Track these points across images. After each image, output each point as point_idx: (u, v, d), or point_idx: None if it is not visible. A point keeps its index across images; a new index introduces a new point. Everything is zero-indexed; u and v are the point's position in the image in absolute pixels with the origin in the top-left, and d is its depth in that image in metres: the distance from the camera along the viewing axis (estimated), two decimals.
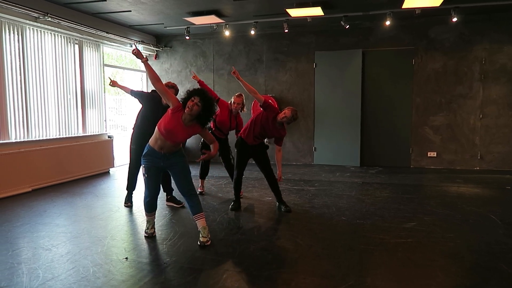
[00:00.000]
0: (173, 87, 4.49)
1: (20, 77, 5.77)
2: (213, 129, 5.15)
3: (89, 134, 7.14)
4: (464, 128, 7.48)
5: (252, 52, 8.49)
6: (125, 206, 4.86)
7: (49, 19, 5.97)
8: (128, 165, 4.97)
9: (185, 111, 3.26)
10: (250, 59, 8.51)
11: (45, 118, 6.24)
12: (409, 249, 3.34)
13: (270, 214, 4.49)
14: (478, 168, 7.46)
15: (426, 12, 6.77)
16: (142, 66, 9.12)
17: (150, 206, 3.64)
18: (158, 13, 6.94)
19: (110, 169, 7.51)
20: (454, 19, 6.58)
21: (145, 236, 3.68)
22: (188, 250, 3.32)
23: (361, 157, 7.89)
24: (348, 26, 7.04)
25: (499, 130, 7.31)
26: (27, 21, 5.76)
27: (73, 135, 6.77)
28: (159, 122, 3.42)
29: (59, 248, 3.40)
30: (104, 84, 7.56)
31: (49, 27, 6.15)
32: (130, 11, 6.72)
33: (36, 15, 5.79)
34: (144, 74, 9.12)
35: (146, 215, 3.72)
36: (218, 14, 6.90)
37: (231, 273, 2.89)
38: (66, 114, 6.66)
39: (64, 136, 6.58)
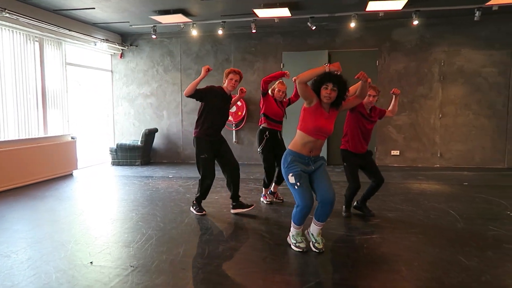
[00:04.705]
0: (238, 74, 4.26)
1: None
2: (266, 124, 4.86)
3: (51, 135, 6.88)
4: (425, 127, 7.78)
5: (220, 52, 8.46)
6: (202, 215, 4.38)
7: (7, 15, 5.70)
8: (200, 177, 4.36)
9: (324, 101, 3.14)
10: (218, 59, 8.48)
11: (3, 119, 5.96)
12: (375, 244, 3.44)
13: (247, 214, 4.47)
14: (438, 165, 7.78)
15: (389, 15, 6.99)
16: (107, 66, 8.87)
17: (304, 217, 3.28)
18: (123, 11, 6.78)
19: (74, 171, 7.27)
20: (415, 22, 6.82)
21: (299, 252, 3.27)
22: (156, 253, 3.26)
23: (328, 155, 8.04)
24: (314, 27, 7.16)
25: (458, 129, 7.66)
26: None
27: (34, 136, 6.50)
28: (303, 125, 3.20)
29: (19, 254, 3.25)
30: (67, 83, 7.30)
31: (7, 23, 5.88)
32: (94, 8, 6.54)
33: None
34: (110, 74, 8.88)
35: (295, 227, 3.35)
36: (185, 13, 6.83)
37: (200, 274, 2.87)
38: (26, 114, 6.39)
39: (24, 137, 6.31)
